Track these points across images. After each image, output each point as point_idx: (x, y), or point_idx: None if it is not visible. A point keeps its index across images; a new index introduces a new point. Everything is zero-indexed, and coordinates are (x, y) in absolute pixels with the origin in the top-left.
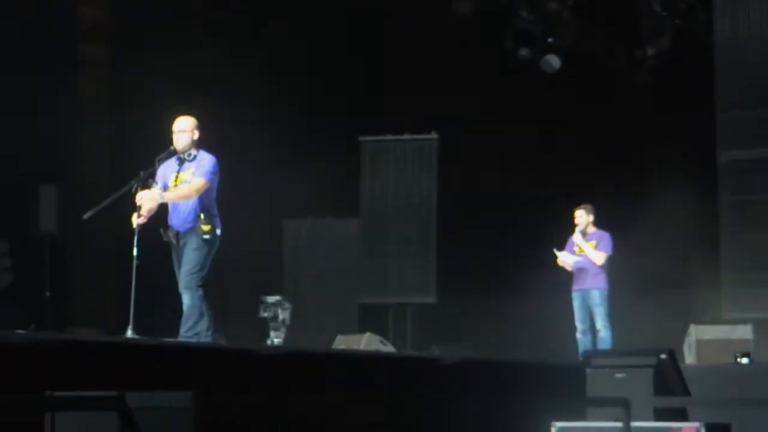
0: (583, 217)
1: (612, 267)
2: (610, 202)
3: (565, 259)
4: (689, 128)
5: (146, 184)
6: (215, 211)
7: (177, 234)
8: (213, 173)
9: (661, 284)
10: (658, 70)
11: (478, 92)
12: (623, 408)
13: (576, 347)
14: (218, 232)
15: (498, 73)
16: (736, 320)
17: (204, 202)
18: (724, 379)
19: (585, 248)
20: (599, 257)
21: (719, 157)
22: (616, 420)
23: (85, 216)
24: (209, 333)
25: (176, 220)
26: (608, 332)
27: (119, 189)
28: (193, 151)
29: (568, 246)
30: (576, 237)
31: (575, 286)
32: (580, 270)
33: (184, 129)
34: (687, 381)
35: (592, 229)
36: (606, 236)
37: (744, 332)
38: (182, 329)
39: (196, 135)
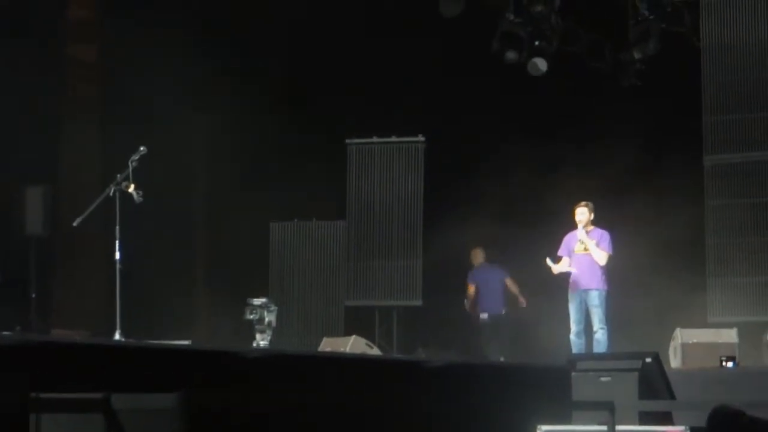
0: (585, 214)
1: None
2: (596, 205)
3: (561, 268)
4: (676, 132)
5: (123, 188)
6: None
7: None
8: None
9: (646, 288)
10: (645, 74)
11: (464, 95)
12: (608, 412)
13: (568, 349)
14: None
15: (485, 76)
16: (721, 324)
17: None
18: (709, 383)
19: (589, 246)
20: (602, 257)
21: (704, 160)
22: (601, 424)
23: (75, 223)
24: None
25: None
26: (605, 333)
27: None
28: None
29: (563, 244)
30: (580, 233)
31: (573, 287)
32: (579, 271)
33: None
34: (672, 385)
35: (590, 228)
36: (606, 235)
37: (729, 336)
38: None
39: None
